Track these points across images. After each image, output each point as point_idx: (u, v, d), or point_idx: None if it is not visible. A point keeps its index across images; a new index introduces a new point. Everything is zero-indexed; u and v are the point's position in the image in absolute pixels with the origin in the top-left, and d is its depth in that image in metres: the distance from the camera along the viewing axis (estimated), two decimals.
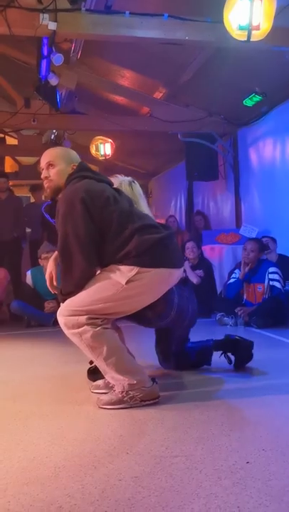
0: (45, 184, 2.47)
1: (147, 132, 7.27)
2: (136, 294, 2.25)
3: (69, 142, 7.92)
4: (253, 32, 3.58)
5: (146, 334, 2.95)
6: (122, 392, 2.23)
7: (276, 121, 6.03)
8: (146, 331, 2.92)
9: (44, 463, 1.68)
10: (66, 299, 2.28)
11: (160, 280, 2.31)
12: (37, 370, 3.22)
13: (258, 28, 3.59)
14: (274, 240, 5.52)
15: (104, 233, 2.27)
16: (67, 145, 7.46)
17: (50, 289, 2.54)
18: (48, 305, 5.25)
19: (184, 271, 2.79)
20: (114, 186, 2.58)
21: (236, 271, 5.13)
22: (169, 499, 1.38)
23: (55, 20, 3.93)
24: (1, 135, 8.58)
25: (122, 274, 2.23)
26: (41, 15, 3.89)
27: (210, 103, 6.51)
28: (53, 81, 5.07)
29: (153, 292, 2.33)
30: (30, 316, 5.35)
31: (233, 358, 2.91)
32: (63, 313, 2.25)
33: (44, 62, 4.71)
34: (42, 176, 2.48)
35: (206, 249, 6.25)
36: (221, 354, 2.91)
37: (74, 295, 2.26)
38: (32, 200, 8.01)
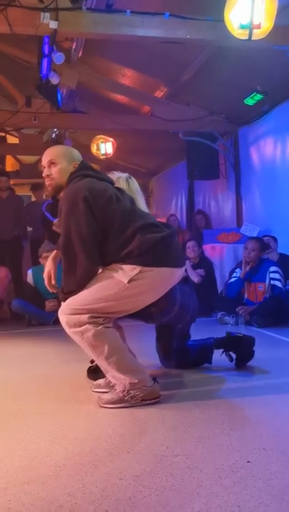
0: (47, 182, 2.48)
1: (148, 131, 7.27)
2: (138, 293, 2.25)
3: (70, 141, 7.92)
4: (254, 31, 3.57)
5: (147, 333, 2.95)
6: (123, 391, 2.23)
7: (277, 120, 6.02)
8: (147, 330, 2.92)
9: (45, 462, 1.68)
10: (68, 298, 2.28)
11: (162, 279, 2.31)
12: (38, 368, 3.22)
13: (259, 26, 3.57)
14: (275, 239, 5.51)
15: (107, 232, 2.27)
16: (68, 144, 7.46)
17: (49, 288, 2.55)
18: (49, 304, 5.25)
19: (185, 270, 2.79)
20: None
21: (237, 270, 5.13)
22: (170, 498, 1.38)
23: (56, 19, 3.92)
24: (2, 134, 8.58)
25: (124, 273, 2.23)
26: (42, 14, 3.88)
27: (211, 102, 6.51)
28: (54, 80, 5.07)
29: (155, 291, 2.33)
30: (31, 314, 5.35)
31: (234, 356, 2.91)
32: (65, 312, 2.25)
33: (45, 61, 4.70)
34: (43, 174, 2.48)
35: (207, 249, 6.24)
36: (222, 352, 2.91)
37: (76, 294, 2.26)
38: (33, 199, 8.01)
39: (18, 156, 10.61)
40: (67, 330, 2.27)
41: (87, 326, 2.20)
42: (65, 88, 6.26)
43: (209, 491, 1.42)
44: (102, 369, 2.32)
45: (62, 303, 2.33)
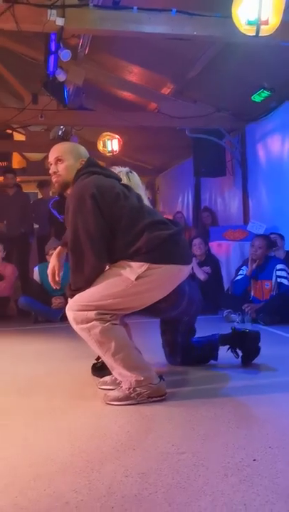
0: (54, 179, 2.47)
1: (155, 128, 7.26)
2: (145, 290, 2.26)
3: (76, 138, 7.91)
4: (262, 27, 3.55)
5: (153, 330, 2.95)
6: (129, 388, 2.23)
7: (284, 117, 5.98)
8: (152, 328, 2.93)
9: (51, 458, 1.68)
10: (75, 294, 2.28)
11: (170, 276, 2.32)
12: (45, 365, 3.23)
13: (266, 23, 3.56)
14: (282, 237, 5.49)
15: (115, 229, 2.27)
16: (75, 141, 7.45)
17: (52, 284, 2.55)
18: (56, 301, 5.26)
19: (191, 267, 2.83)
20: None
21: (244, 267, 5.11)
22: (176, 496, 1.38)
23: (63, 16, 3.92)
24: (9, 131, 8.58)
25: (132, 270, 2.23)
26: (49, 11, 3.88)
27: (218, 99, 6.48)
28: (61, 77, 5.06)
29: (162, 288, 2.33)
30: (37, 311, 5.36)
31: (240, 353, 2.90)
32: (73, 308, 2.26)
33: (52, 58, 4.70)
34: (50, 171, 2.47)
35: (214, 246, 6.23)
36: (228, 349, 2.90)
37: (83, 290, 2.26)
38: (39, 196, 8.03)
39: (25, 153, 10.62)
40: (75, 326, 2.27)
41: (94, 322, 2.21)
42: (71, 85, 6.26)
43: (215, 488, 1.42)
44: (108, 366, 2.33)
45: (69, 299, 2.33)
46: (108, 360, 2.28)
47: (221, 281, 5.80)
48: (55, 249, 2.71)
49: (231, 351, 2.90)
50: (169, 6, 4.09)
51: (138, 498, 1.38)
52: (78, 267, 2.27)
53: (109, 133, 7.62)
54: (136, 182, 2.84)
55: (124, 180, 2.70)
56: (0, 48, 6.12)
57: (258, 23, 3.53)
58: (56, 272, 2.56)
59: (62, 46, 4.44)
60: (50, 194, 7.36)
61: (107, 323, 2.22)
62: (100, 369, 2.69)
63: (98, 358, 2.70)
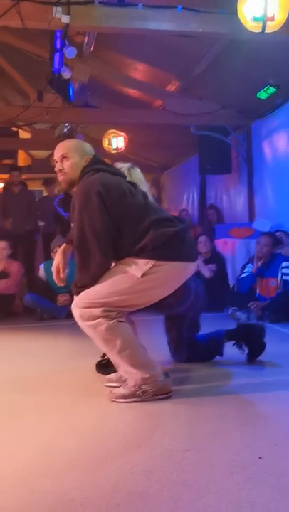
0: (60, 177, 2.47)
1: (160, 125, 7.23)
2: (151, 286, 2.26)
3: (82, 135, 7.91)
4: (268, 23, 3.54)
5: (158, 328, 2.94)
6: (135, 386, 2.24)
7: None
8: (158, 325, 2.92)
9: (57, 455, 1.69)
10: (81, 292, 2.29)
11: (175, 273, 2.31)
12: (50, 362, 3.24)
13: (272, 19, 3.54)
14: (287, 234, 5.47)
15: (121, 226, 2.27)
16: (80, 138, 7.45)
17: (57, 282, 2.56)
18: (61, 298, 5.27)
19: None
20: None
21: (249, 265, 5.10)
22: (181, 493, 1.38)
23: (68, 13, 3.91)
24: (14, 129, 8.59)
25: (137, 267, 2.23)
26: (54, 8, 3.87)
27: (223, 96, 6.45)
28: (66, 74, 5.06)
29: (168, 285, 2.33)
30: (43, 309, 5.37)
31: (245, 350, 2.89)
32: (79, 305, 2.26)
33: (57, 56, 4.70)
34: (56, 169, 2.47)
35: (219, 243, 6.21)
36: (234, 344, 2.89)
37: (89, 288, 2.27)
38: (45, 193, 8.03)
39: (30, 151, 10.64)
40: (81, 323, 2.27)
41: (100, 319, 2.21)
42: (76, 82, 6.25)
43: (220, 486, 1.41)
44: (113, 363, 2.33)
45: (75, 297, 2.34)
46: (114, 358, 2.28)
47: (227, 278, 5.79)
48: (60, 246, 2.71)
49: (237, 347, 2.89)
50: (174, 3, 4.07)
51: (143, 495, 1.38)
52: (84, 264, 2.27)
53: (114, 130, 7.62)
54: (138, 177, 2.83)
55: (126, 176, 2.70)
56: (5, 45, 6.12)
57: (264, 20, 3.51)
58: (60, 270, 2.56)
59: (67, 43, 4.44)
60: (56, 192, 7.36)
61: (113, 321, 2.22)
62: (104, 366, 2.70)
63: (103, 355, 2.70)
